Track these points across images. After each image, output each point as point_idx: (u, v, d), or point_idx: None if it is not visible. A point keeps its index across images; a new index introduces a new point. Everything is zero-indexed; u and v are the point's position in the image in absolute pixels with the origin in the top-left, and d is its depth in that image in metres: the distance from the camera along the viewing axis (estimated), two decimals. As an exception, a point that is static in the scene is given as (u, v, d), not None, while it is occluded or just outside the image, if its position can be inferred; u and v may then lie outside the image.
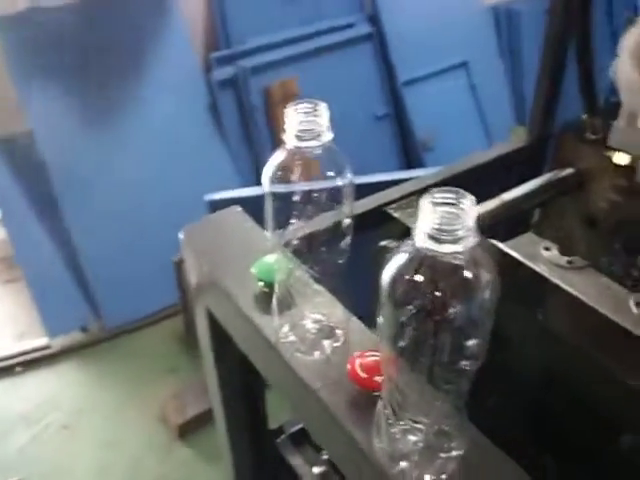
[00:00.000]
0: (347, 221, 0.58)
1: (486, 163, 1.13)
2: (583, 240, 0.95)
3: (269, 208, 0.58)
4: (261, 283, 0.72)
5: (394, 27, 2.47)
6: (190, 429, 1.85)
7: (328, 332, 0.65)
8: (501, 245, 0.93)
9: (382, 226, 0.97)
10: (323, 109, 0.52)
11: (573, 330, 0.79)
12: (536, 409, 0.84)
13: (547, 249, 0.91)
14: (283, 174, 0.55)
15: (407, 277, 0.44)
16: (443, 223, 0.42)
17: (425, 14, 2.52)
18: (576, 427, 0.78)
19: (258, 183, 0.58)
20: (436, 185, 0.43)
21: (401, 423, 0.52)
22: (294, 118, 0.52)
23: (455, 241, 0.42)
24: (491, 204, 1.02)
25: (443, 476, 0.53)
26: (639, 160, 0.93)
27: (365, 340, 0.64)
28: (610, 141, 0.92)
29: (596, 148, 1.00)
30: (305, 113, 0.52)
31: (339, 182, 0.55)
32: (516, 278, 0.86)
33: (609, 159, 0.98)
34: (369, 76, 2.51)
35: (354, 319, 0.67)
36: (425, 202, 0.43)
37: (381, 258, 0.47)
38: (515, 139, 1.18)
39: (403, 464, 0.54)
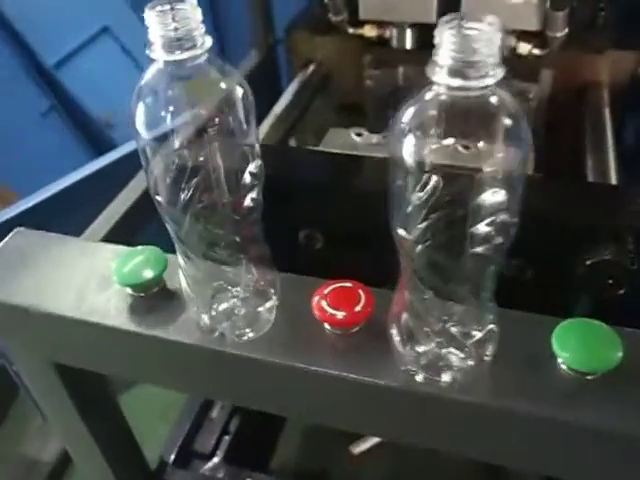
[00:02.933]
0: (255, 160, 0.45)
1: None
2: (378, 118, 0.95)
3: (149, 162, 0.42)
4: (128, 290, 0.55)
5: (17, 11, 2.15)
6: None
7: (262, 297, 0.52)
8: (319, 148, 0.87)
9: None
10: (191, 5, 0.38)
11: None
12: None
13: (359, 135, 0.88)
14: (153, 107, 0.40)
15: (429, 128, 0.35)
16: (469, 50, 0.33)
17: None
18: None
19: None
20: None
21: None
22: (154, 21, 0.37)
23: (485, 74, 0.34)
24: (269, 120, 0.95)
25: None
26: (390, 27, 0.95)
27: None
28: (361, 13, 0.92)
29: (336, 31, 0.99)
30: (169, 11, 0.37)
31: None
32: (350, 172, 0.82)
33: (358, 37, 0.98)
34: (12, 73, 2.16)
35: (285, 275, 0.54)
36: (445, 30, 0.33)
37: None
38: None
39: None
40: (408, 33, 0.95)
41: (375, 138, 0.87)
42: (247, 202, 0.45)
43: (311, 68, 1.04)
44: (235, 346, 0.50)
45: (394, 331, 0.47)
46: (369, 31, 0.96)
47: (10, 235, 0.64)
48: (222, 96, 0.39)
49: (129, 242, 0.75)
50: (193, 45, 0.37)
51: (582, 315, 0.47)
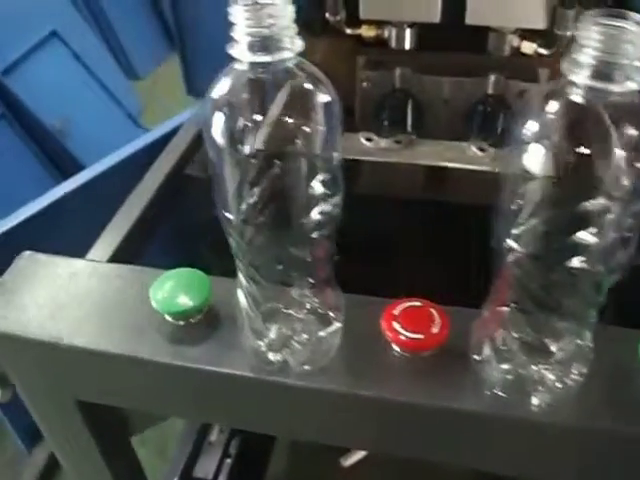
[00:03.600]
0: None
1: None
2: (377, 120, 0.92)
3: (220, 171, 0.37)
4: (167, 317, 0.50)
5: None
6: None
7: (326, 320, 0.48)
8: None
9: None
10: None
11: (448, 194, 0.76)
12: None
13: (369, 140, 0.84)
14: (232, 112, 0.36)
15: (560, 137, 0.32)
16: (614, 51, 0.30)
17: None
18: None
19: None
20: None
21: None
22: (242, 17, 0.33)
23: (627, 77, 0.31)
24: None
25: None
26: (388, 27, 0.92)
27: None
28: (361, 13, 0.88)
29: (331, 32, 0.96)
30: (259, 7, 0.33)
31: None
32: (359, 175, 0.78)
33: (354, 37, 0.95)
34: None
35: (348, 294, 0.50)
36: (588, 25, 0.30)
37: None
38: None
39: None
40: (407, 33, 0.92)
41: (384, 142, 0.83)
42: (316, 216, 0.41)
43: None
44: (299, 376, 0.46)
45: (480, 352, 0.44)
46: (367, 31, 0.92)
47: (16, 260, 0.58)
48: (310, 104, 0.34)
49: (135, 262, 0.69)
50: (283, 46, 0.32)
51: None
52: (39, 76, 2.20)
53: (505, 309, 0.41)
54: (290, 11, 0.32)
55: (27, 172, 2.15)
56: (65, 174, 2.25)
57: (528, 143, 0.33)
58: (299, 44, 0.33)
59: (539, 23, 0.83)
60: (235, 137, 0.34)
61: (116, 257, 0.68)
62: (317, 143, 0.35)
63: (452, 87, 0.96)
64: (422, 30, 0.92)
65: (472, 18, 0.85)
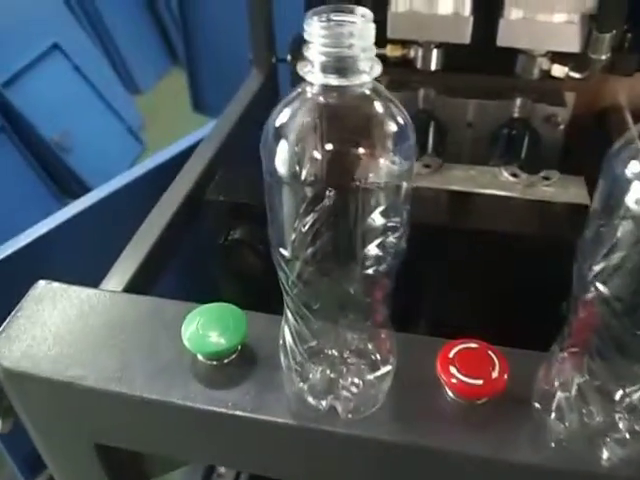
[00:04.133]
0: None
1: (242, 116, 0.96)
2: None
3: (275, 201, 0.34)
4: (199, 357, 0.46)
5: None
6: None
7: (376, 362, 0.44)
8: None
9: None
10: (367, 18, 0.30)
11: (471, 220, 0.72)
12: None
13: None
14: (299, 140, 0.32)
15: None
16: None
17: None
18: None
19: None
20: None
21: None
22: (318, 34, 0.29)
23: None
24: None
25: None
26: (414, 46, 0.89)
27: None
28: (389, 32, 0.85)
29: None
30: (338, 25, 0.29)
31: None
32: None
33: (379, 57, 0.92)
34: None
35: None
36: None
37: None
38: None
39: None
40: (434, 54, 0.89)
41: (418, 166, 0.80)
42: (376, 250, 0.37)
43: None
44: (346, 424, 0.42)
45: (545, 399, 0.40)
46: (392, 51, 0.90)
47: (31, 290, 0.54)
48: (384, 133, 0.31)
49: (151, 291, 0.66)
50: (361, 69, 0.29)
51: None
52: (39, 89, 2.17)
53: (579, 353, 0.38)
54: (372, 30, 0.29)
55: (25, 185, 2.12)
56: (64, 188, 2.22)
57: (631, 180, 0.30)
58: (378, 68, 0.30)
59: (574, 46, 0.81)
60: (300, 167, 0.31)
61: (132, 286, 0.63)
62: (390, 174, 0.32)
63: (477, 110, 0.94)
64: (449, 51, 0.89)
65: (504, 40, 0.82)
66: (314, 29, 0.28)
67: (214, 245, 0.74)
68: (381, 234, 0.36)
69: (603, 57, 0.80)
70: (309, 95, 0.30)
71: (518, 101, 0.92)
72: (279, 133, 0.31)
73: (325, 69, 0.28)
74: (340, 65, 0.28)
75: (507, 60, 0.90)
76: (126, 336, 0.49)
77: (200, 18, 2.23)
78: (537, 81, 0.90)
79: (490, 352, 0.43)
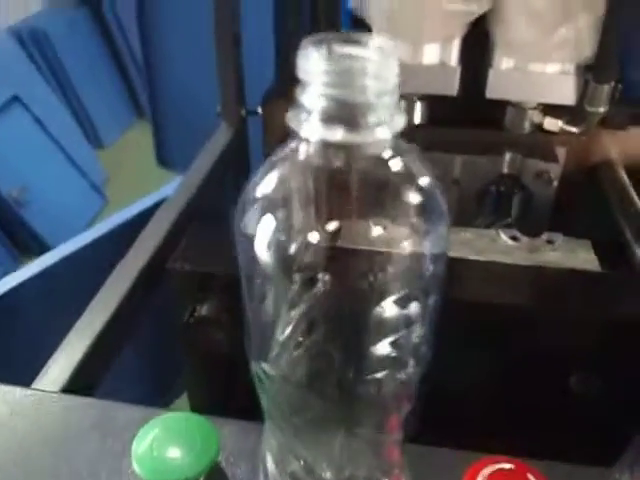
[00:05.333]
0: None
1: (210, 173, 0.87)
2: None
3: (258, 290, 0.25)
4: None
5: None
6: None
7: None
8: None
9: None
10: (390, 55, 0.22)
11: (474, 292, 0.64)
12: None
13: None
14: (286, 216, 0.24)
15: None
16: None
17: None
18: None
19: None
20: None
21: None
22: (319, 71, 0.21)
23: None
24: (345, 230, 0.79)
25: None
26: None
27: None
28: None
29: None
30: (347, 59, 0.21)
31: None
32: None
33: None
34: None
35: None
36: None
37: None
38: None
39: None
40: (418, 107, 0.83)
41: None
42: (385, 349, 0.29)
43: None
44: None
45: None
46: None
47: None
48: (407, 210, 0.23)
49: (99, 386, 0.55)
50: (377, 121, 0.21)
51: None
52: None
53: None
54: (394, 69, 0.21)
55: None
56: (21, 246, 2.09)
57: None
58: (400, 120, 0.21)
59: (569, 99, 0.75)
60: (292, 255, 0.22)
61: (75, 381, 0.52)
62: (414, 262, 0.23)
63: (464, 166, 0.87)
64: (434, 103, 0.83)
65: (493, 92, 0.77)
66: (312, 63, 0.19)
67: (177, 323, 0.64)
68: (394, 330, 0.28)
69: (601, 109, 0.75)
70: (303, 156, 0.21)
71: (508, 156, 0.86)
72: (262, 207, 0.23)
73: (327, 119, 0.20)
74: (348, 114, 0.19)
75: (496, 113, 0.84)
76: (61, 453, 0.39)
77: (166, 70, 2.18)
78: (527, 135, 0.84)
79: (529, 475, 0.34)
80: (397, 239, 0.23)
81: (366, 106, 0.20)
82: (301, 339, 0.26)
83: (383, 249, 0.24)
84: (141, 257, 0.67)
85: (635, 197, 0.82)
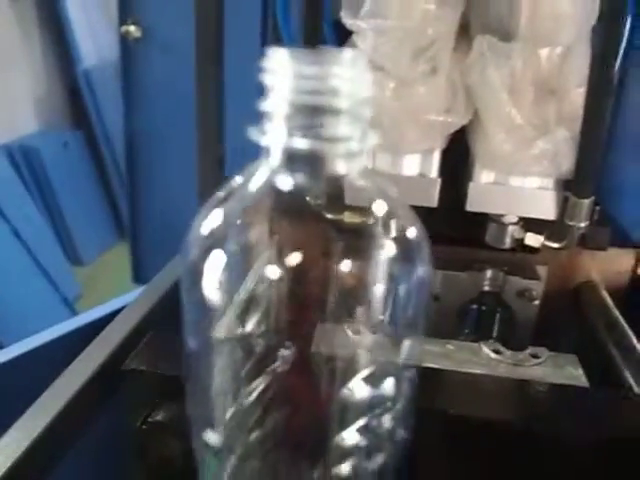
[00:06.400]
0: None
1: (174, 282, 0.84)
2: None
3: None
4: None
5: None
6: None
7: None
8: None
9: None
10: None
11: (455, 404, 0.59)
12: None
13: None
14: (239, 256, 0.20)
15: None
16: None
17: None
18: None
19: None
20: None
21: None
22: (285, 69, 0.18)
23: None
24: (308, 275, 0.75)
25: None
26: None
27: None
28: (347, 198, 0.78)
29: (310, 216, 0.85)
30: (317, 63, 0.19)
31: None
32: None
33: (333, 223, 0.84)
34: None
35: None
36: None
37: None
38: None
39: None
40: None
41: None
42: (354, 438, 0.24)
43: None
44: None
45: None
46: (350, 217, 0.82)
47: None
48: (380, 252, 0.19)
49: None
50: (347, 134, 0.18)
51: None
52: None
53: None
54: (367, 81, 0.18)
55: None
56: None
57: None
58: (373, 137, 0.19)
59: (550, 213, 0.75)
60: (244, 304, 0.18)
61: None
62: (390, 321, 0.20)
63: (443, 282, 0.85)
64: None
65: (474, 205, 0.76)
66: (279, 63, 0.17)
67: (130, 429, 0.58)
68: (365, 412, 0.23)
69: (582, 224, 0.74)
70: (263, 177, 0.18)
71: (489, 273, 0.84)
72: (210, 242, 0.19)
73: (293, 127, 0.17)
74: (314, 121, 0.17)
75: (476, 227, 0.84)
76: None
77: (149, 194, 2.21)
78: (509, 252, 0.83)
79: None
80: (368, 297, 0.19)
81: (335, 112, 0.17)
82: (256, 413, 0.22)
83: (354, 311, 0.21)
84: (97, 358, 0.62)
85: (620, 317, 0.79)
